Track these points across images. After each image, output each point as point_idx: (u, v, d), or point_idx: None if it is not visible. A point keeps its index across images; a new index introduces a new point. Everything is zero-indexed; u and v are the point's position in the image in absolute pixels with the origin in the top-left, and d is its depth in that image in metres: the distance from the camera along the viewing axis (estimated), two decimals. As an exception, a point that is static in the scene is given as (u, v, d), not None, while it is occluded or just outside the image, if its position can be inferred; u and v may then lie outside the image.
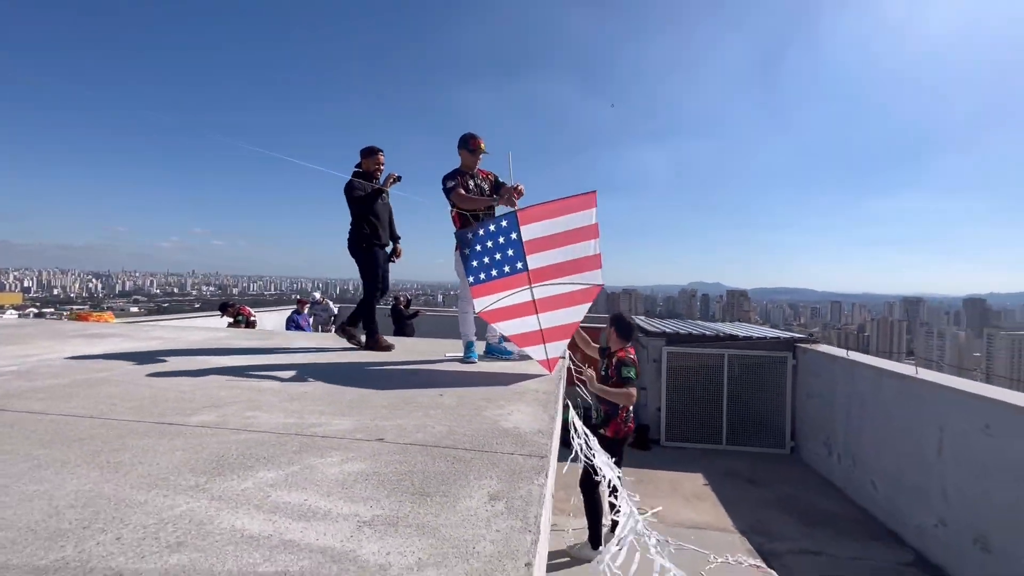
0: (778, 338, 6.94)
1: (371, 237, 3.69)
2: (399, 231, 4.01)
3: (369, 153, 3.80)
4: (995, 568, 3.37)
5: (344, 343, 4.02)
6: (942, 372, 4.69)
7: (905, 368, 4.72)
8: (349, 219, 3.75)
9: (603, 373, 4.05)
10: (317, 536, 1.13)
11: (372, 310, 3.81)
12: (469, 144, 3.39)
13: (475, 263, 2.98)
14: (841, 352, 5.93)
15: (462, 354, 3.47)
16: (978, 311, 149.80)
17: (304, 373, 2.92)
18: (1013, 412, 3.34)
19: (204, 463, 1.53)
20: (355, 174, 3.77)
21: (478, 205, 3.32)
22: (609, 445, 3.76)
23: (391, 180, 3.73)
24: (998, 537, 3.38)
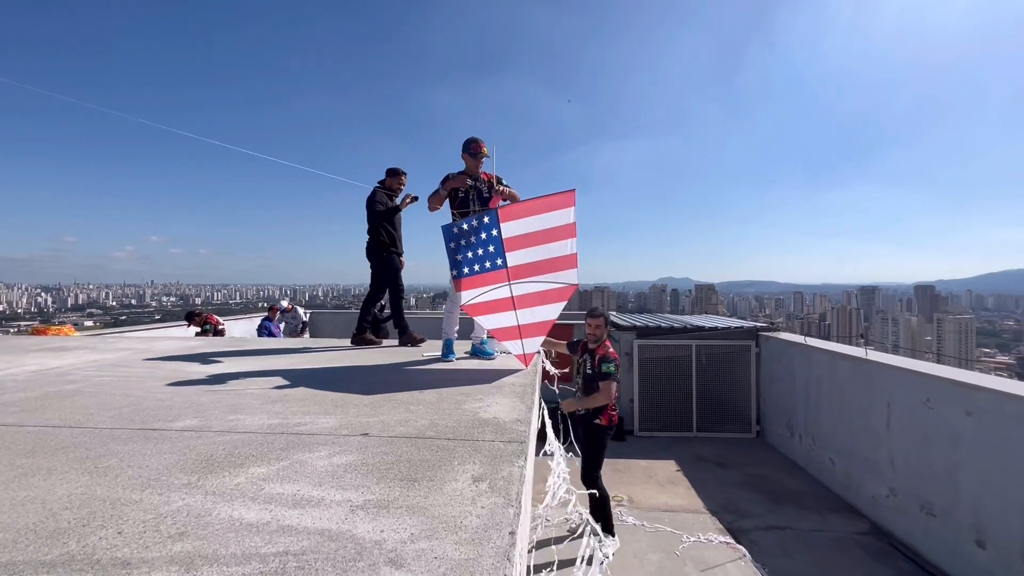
0: (742, 327, 7.27)
1: (389, 245, 4.16)
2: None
3: (394, 173, 4.34)
4: (938, 530, 3.68)
5: (319, 345, 4.09)
6: (887, 352, 5.04)
7: (856, 350, 5.05)
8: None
9: (589, 372, 3.99)
10: (313, 521, 1.20)
11: (400, 310, 4.30)
12: (470, 148, 3.52)
13: (459, 257, 3.08)
14: (799, 338, 6.27)
15: (440, 354, 3.54)
16: (928, 297, 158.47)
17: (282, 377, 2.94)
18: (948, 386, 3.65)
19: (193, 463, 1.57)
20: (377, 188, 4.26)
21: (438, 200, 3.52)
22: (603, 434, 3.88)
23: (408, 201, 4.17)
24: (939, 501, 3.69)
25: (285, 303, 9.46)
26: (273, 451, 1.68)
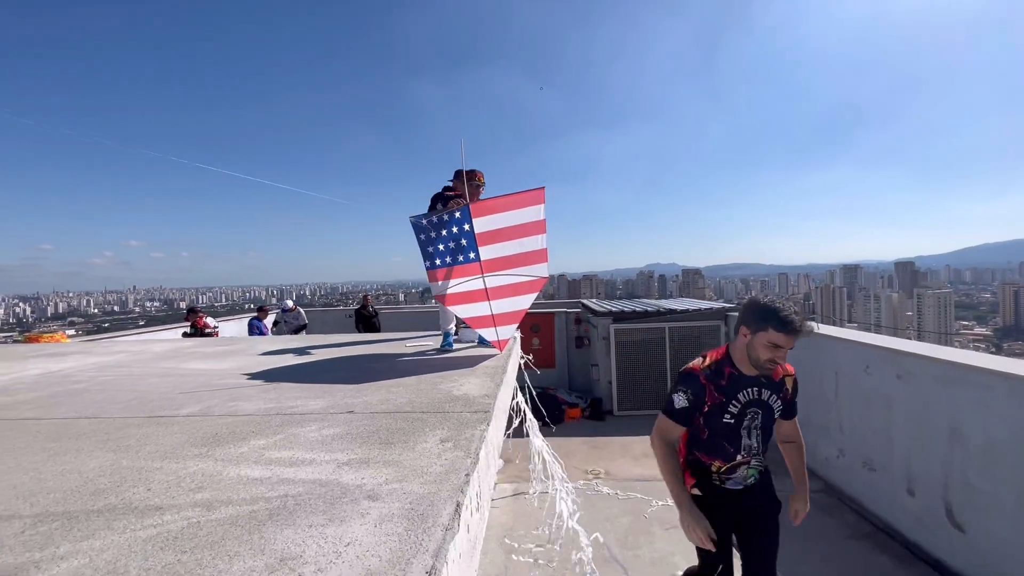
0: (711, 308, 7.64)
1: None
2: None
3: (471, 177, 4.09)
4: (878, 483, 4.07)
5: (310, 342, 4.34)
6: (844, 328, 5.43)
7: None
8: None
9: (782, 409, 2.24)
10: (307, 474, 1.49)
11: None
12: (463, 176, 3.60)
13: (430, 249, 3.30)
14: (764, 317, 6.65)
15: (439, 344, 3.83)
16: (908, 273, 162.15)
17: (275, 370, 3.20)
18: (883, 352, 4.03)
19: (202, 439, 1.84)
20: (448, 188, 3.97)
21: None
22: None
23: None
24: (878, 458, 4.08)
25: (290, 303, 9.56)
26: (270, 428, 1.95)
